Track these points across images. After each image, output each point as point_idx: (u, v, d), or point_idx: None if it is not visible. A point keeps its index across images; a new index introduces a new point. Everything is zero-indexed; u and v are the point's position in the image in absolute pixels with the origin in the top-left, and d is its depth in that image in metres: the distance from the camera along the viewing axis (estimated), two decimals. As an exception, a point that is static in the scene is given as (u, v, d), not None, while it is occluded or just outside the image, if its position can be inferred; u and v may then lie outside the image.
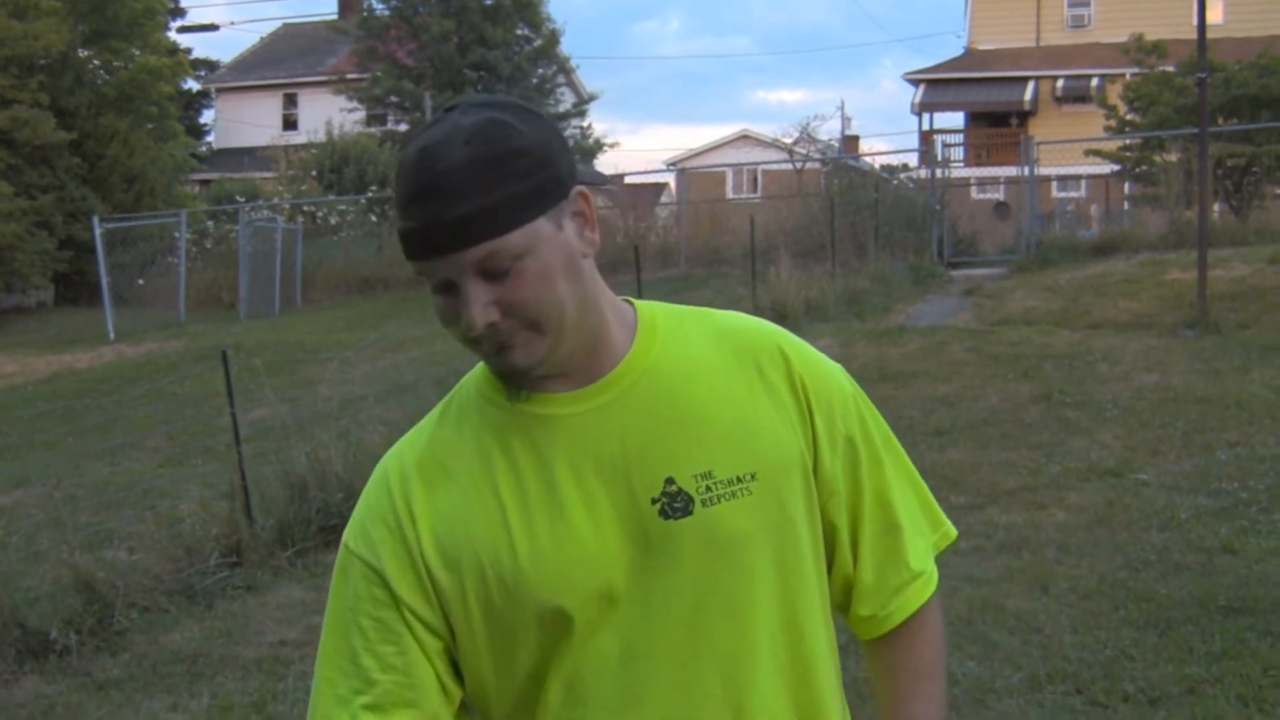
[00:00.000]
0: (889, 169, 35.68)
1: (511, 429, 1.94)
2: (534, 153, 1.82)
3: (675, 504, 1.89)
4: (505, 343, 1.84)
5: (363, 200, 34.52)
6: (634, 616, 1.89)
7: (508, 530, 1.90)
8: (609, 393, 1.93)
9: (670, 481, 1.89)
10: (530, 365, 1.86)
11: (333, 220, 33.43)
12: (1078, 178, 36.39)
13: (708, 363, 1.99)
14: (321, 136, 39.54)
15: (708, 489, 1.90)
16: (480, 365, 2.02)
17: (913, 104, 50.59)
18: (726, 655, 1.90)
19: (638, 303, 2.05)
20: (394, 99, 43.17)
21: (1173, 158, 26.55)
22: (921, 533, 2.12)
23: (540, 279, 1.81)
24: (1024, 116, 48.71)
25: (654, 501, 1.89)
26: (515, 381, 1.92)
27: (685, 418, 1.93)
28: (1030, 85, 48.99)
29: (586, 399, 1.93)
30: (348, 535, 2.01)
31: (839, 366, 2.13)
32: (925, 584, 2.11)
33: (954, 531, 2.19)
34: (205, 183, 48.66)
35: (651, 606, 1.89)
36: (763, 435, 1.95)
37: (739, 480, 1.91)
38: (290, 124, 55.42)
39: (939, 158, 29.68)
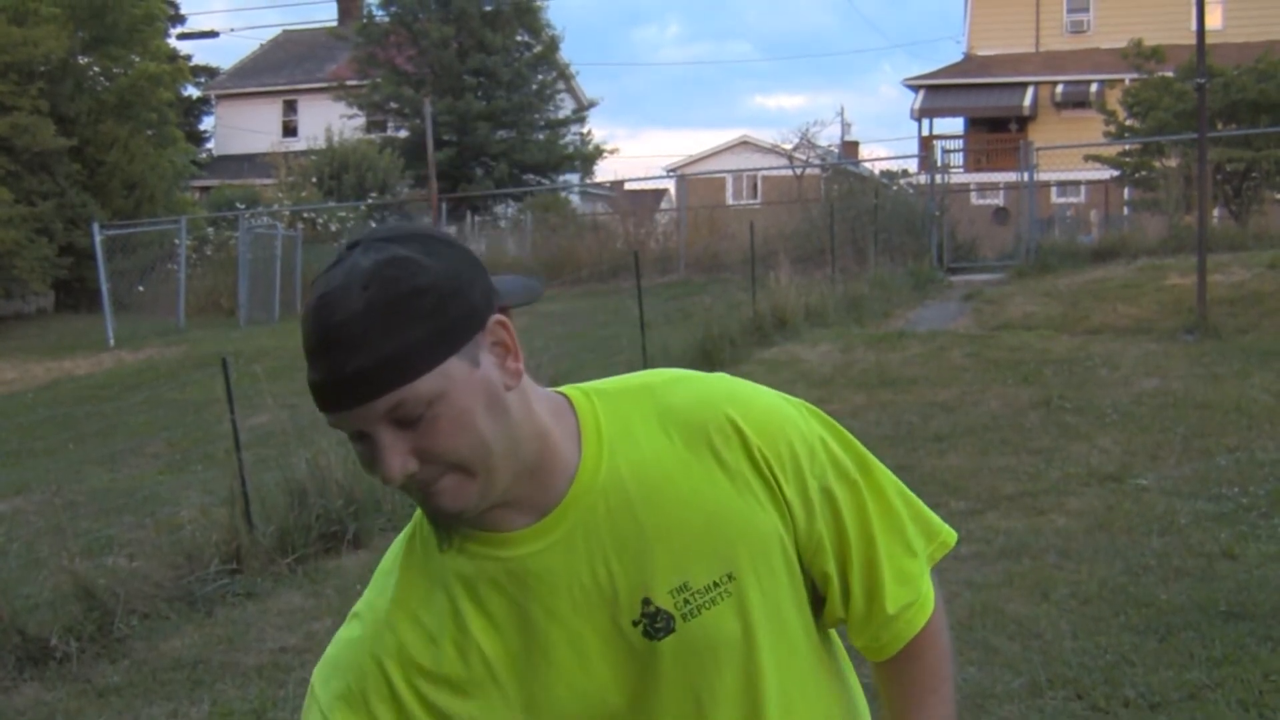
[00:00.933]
0: (889, 174, 35.75)
1: (478, 578, 1.86)
2: (440, 288, 1.70)
3: (656, 624, 1.84)
4: (431, 490, 1.73)
5: (362, 207, 34.55)
6: None
7: (499, 685, 1.86)
8: (566, 521, 1.84)
9: (647, 603, 1.84)
10: (462, 509, 1.76)
11: (333, 227, 33.40)
12: (1077, 183, 36.34)
13: (659, 460, 1.87)
14: (321, 143, 39.58)
15: (686, 602, 1.84)
16: (415, 530, 1.95)
17: (912, 109, 50.60)
18: None
19: (575, 397, 1.92)
20: (394, 105, 43.28)
21: (1172, 163, 26.56)
22: (913, 553, 2.02)
23: (457, 423, 1.70)
24: (1023, 122, 48.71)
25: (635, 624, 1.84)
26: (449, 525, 1.81)
27: (650, 532, 1.85)
28: (1029, 91, 48.99)
29: (545, 533, 1.84)
30: (316, 681, 1.97)
31: (794, 408, 1.98)
32: (918, 611, 2.02)
33: (953, 536, 2.09)
34: (205, 189, 48.69)
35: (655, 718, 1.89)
36: (732, 529, 1.86)
37: (716, 585, 1.86)
38: (290, 130, 55.45)
39: (939, 163, 29.74)
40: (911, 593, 2.01)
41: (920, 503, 2.08)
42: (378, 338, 1.65)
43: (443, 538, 1.84)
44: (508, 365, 1.76)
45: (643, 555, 1.84)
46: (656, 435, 1.88)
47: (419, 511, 1.90)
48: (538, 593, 1.84)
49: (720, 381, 1.96)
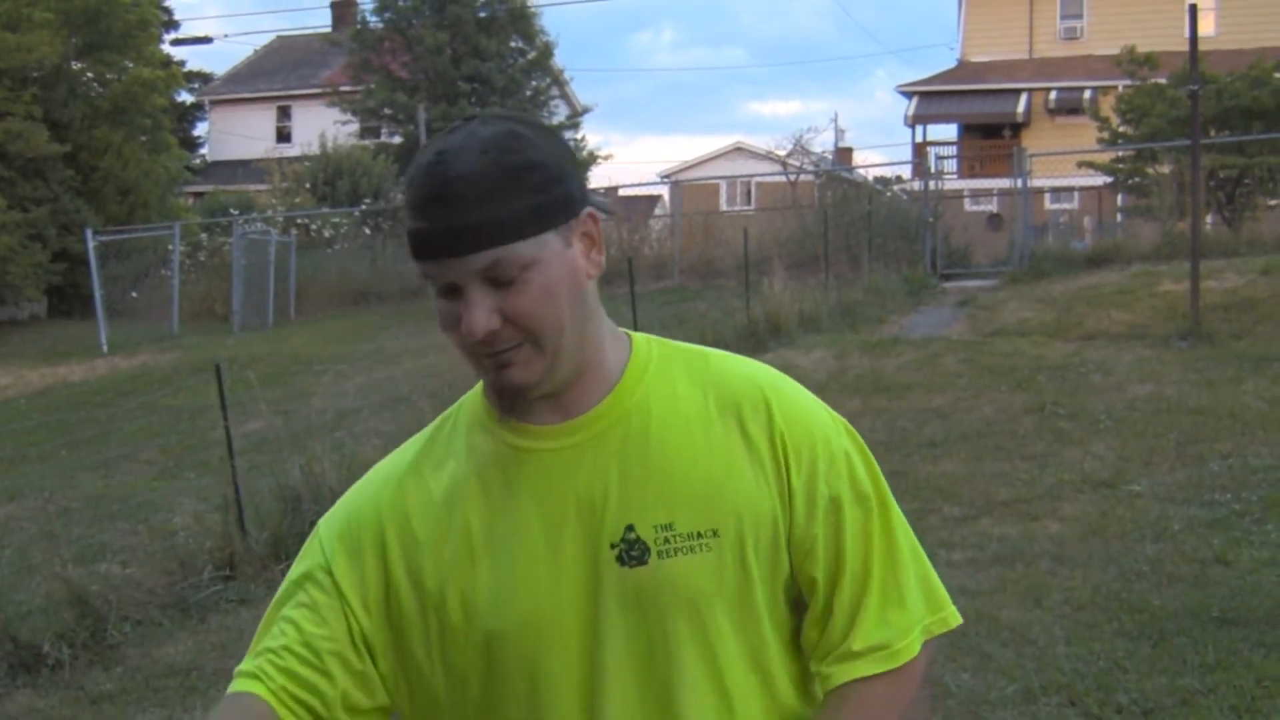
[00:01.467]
0: (883, 181, 35.75)
1: (490, 461, 1.96)
2: (549, 168, 1.84)
3: (632, 552, 1.89)
4: (505, 359, 1.84)
5: (356, 213, 34.52)
6: (585, 657, 1.91)
7: (473, 560, 1.93)
8: (587, 431, 1.94)
9: (630, 529, 1.89)
10: (528, 383, 1.86)
11: (327, 233, 33.40)
12: (1071, 189, 36.38)
13: (688, 411, 1.96)
14: (315, 149, 39.55)
15: (666, 540, 1.89)
16: (477, 387, 2.03)
17: (906, 116, 50.62)
18: (670, 706, 1.90)
19: (637, 337, 2.05)
20: (388, 111, 43.23)
21: (1165, 169, 26.61)
22: (904, 606, 2.00)
23: (544, 292, 1.83)
24: (1017, 128, 48.73)
25: (613, 547, 1.89)
26: (511, 400, 1.90)
27: (655, 467, 1.92)
28: (1023, 97, 49.01)
29: (564, 435, 1.94)
30: (323, 521, 2.06)
31: (837, 420, 2.04)
32: (884, 659, 1.97)
33: (956, 618, 2.08)
34: (199, 195, 48.66)
35: (604, 649, 1.90)
36: (732, 492, 1.92)
37: (699, 536, 1.90)
38: (284, 136, 55.40)
39: (932, 169, 29.71)
40: (885, 639, 1.97)
41: (933, 571, 2.07)
42: (488, 198, 1.79)
43: (504, 412, 1.93)
44: (592, 256, 1.93)
45: (641, 486, 1.91)
46: (695, 391, 1.98)
47: (456, 404, 2.07)
48: (536, 487, 1.93)
49: (772, 371, 2.05)
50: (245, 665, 1.98)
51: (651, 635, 1.89)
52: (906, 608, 2.00)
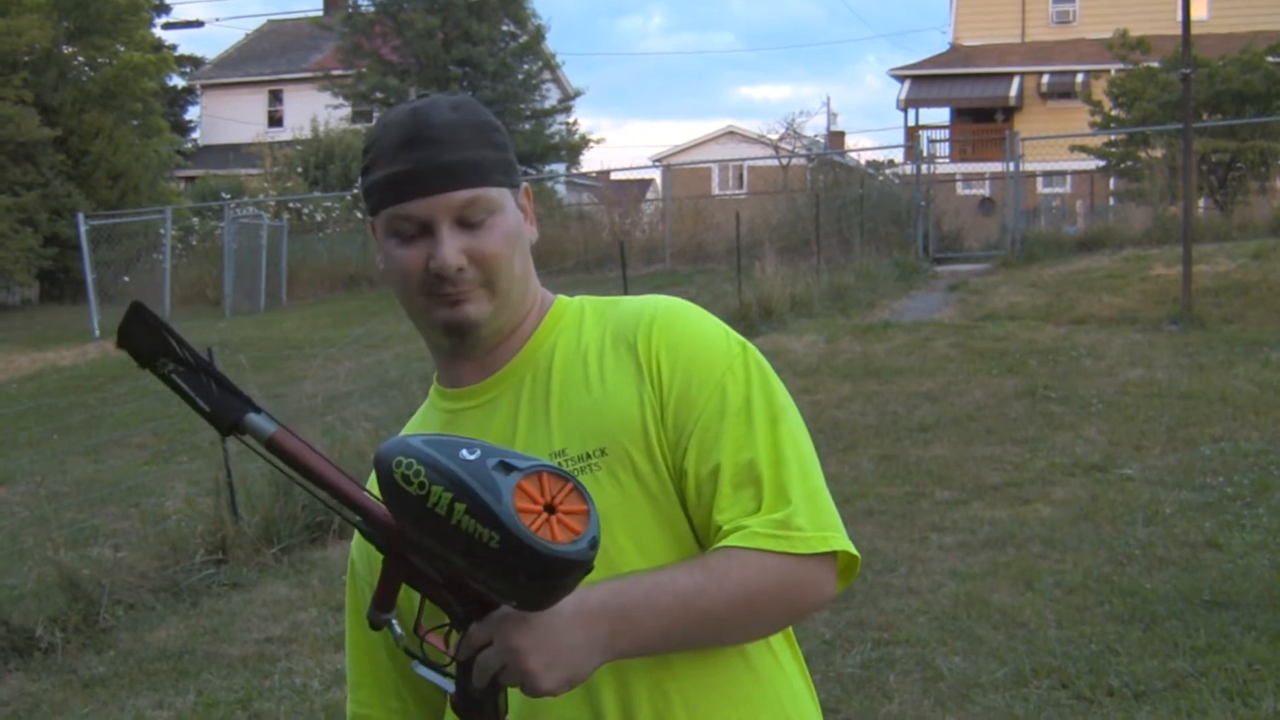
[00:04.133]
0: (874, 165, 35.69)
1: (434, 428, 2.14)
2: (504, 134, 2.07)
3: None
4: (460, 296, 2.00)
5: (348, 197, 34.47)
6: None
7: None
8: (502, 385, 2.10)
9: None
10: (479, 319, 2.02)
11: (318, 217, 33.37)
12: (1063, 173, 36.38)
13: (586, 348, 2.09)
14: (306, 133, 39.52)
15: (559, 466, 1.89)
16: (432, 387, 2.21)
17: (898, 100, 50.60)
18: None
19: (564, 298, 2.19)
20: (379, 95, 43.17)
21: (1157, 153, 26.60)
22: (787, 501, 1.95)
23: (505, 238, 2.01)
24: (1009, 112, 48.73)
25: None
26: (460, 337, 2.05)
27: (552, 403, 2.06)
28: (1015, 81, 49.00)
29: (483, 392, 2.11)
30: (351, 549, 2.29)
31: (732, 338, 2.09)
32: (774, 535, 1.92)
33: (848, 548, 1.98)
34: (190, 179, 48.61)
35: None
36: (614, 411, 2.01)
37: (588, 457, 2.00)
38: (275, 121, 55.35)
39: (924, 153, 29.72)
40: (783, 518, 1.94)
41: (825, 492, 2.02)
42: (466, 144, 1.98)
43: (454, 345, 2.08)
44: (528, 225, 2.11)
45: (541, 423, 2.05)
46: (596, 330, 2.12)
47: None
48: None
49: (671, 299, 2.14)
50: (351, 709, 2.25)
51: None
52: (788, 500, 1.96)
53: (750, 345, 2.10)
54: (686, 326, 2.07)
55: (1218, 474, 9.56)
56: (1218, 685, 5.90)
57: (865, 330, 16.48)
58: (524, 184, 2.11)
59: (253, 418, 1.77)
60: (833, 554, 1.96)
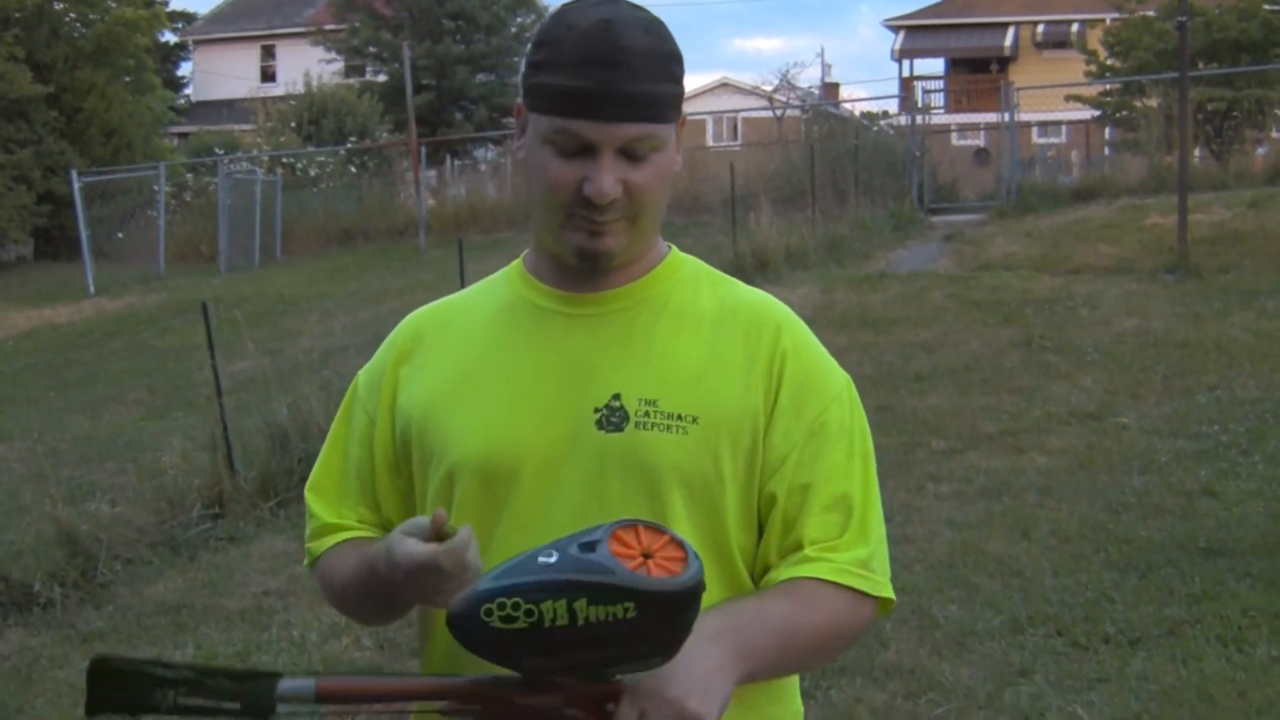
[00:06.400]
0: (869, 116, 35.60)
1: (517, 310, 2.09)
2: (682, 65, 1.98)
3: (612, 419, 1.96)
4: (603, 227, 1.95)
5: (342, 152, 34.39)
6: (534, 505, 1.97)
7: (466, 385, 2.05)
8: (599, 307, 2.04)
9: (616, 397, 1.97)
10: (614, 251, 1.98)
11: (312, 172, 33.28)
12: (1058, 123, 36.36)
13: (699, 313, 2.06)
14: (300, 88, 39.40)
15: (646, 414, 1.96)
16: (513, 265, 2.17)
17: (893, 50, 50.50)
18: None
19: (678, 251, 2.15)
20: (372, 50, 43.08)
21: (1153, 103, 26.54)
22: (868, 547, 2.00)
23: (659, 176, 1.97)
24: (1004, 62, 48.64)
25: (595, 411, 1.97)
26: (592, 263, 1.99)
27: (655, 350, 2.01)
28: (1010, 31, 48.90)
29: (578, 304, 2.05)
30: (362, 372, 2.23)
31: (843, 375, 2.11)
32: (856, 574, 1.97)
33: (890, 597, 2.03)
34: (184, 136, 48.48)
35: (559, 502, 1.96)
36: (720, 388, 1.99)
37: (679, 417, 1.96)
38: (268, 76, 55.23)
39: (919, 104, 29.66)
40: (865, 557, 1.98)
41: (885, 549, 2.06)
42: (652, 76, 1.91)
43: (584, 268, 2.02)
44: (678, 155, 2.03)
45: (638, 362, 2.00)
46: (712, 302, 2.09)
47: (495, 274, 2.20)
48: (547, 345, 2.04)
49: (792, 313, 2.13)
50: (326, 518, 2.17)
51: (608, 499, 1.94)
52: (872, 553, 2.01)
53: (850, 380, 2.12)
54: (810, 342, 2.09)
55: (1213, 422, 9.57)
56: (1213, 632, 5.92)
57: (861, 281, 16.48)
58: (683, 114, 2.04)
59: (286, 686, 1.71)
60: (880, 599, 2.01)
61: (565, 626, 1.60)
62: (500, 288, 2.15)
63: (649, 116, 1.91)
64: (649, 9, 1.97)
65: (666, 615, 1.63)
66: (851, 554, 1.97)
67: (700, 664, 1.76)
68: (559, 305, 2.05)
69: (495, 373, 2.04)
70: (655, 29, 1.93)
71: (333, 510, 2.16)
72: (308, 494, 2.19)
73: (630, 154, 1.91)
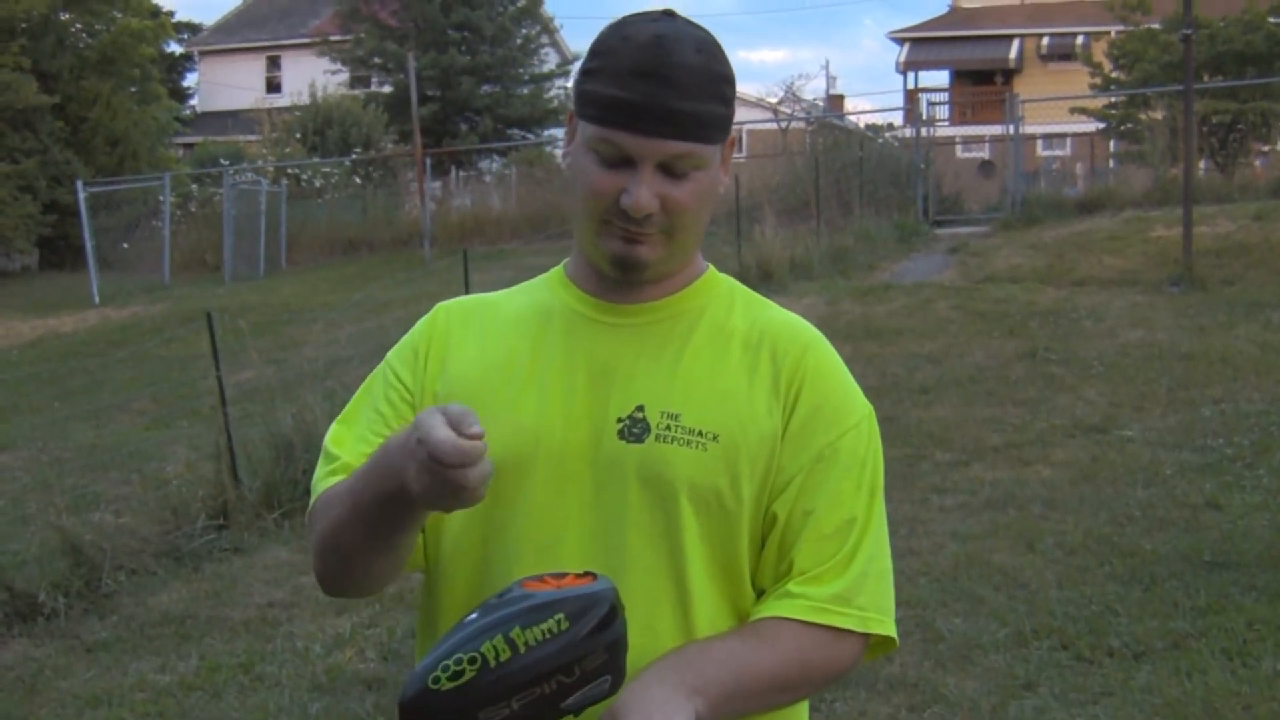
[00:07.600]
0: (874, 128, 35.61)
1: (553, 312, 2.11)
2: (734, 86, 2.00)
3: (634, 429, 1.98)
4: (639, 237, 1.96)
5: (347, 162, 34.39)
6: (545, 504, 1.98)
7: (494, 375, 2.06)
8: (635, 319, 2.06)
9: (640, 409, 1.99)
10: (649, 262, 1.99)
11: (317, 182, 33.28)
12: (1063, 136, 36.29)
13: (730, 331, 2.07)
14: (305, 99, 39.39)
15: (667, 428, 1.97)
16: (555, 270, 2.18)
17: (897, 63, 50.52)
18: (622, 581, 1.85)
19: (714, 270, 2.16)
20: (377, 60, 43.04)
21: (1158, 115, 26.55)
22: (861, 583, 1.98)
23: (699, 194, 1.97)
24: (1009, 74, 48.66)
25: (619, 421, 1.99)
26: (626, 272, 2.01)
27: (684, 365, 2.03)
28: (1015, 43, 48.92)
29: (614, 314, 2.07)
30: (391, 350, 2.21)
31: (865, 405, 2.10)
32: (816, 610, 1.95)
33: (893, 638, 2.02)
34: (189, 146, 48.48)
35: (571, 510, 1.98)
36: (743, 409, 2.00)
37: (700, 434, 1.97)
38: (274, 86, 55.21)
39: (924, 116, 29.67)
40: (846, 592, 1.97)
41: (890, 576, 2.06)
42: (699, 95, 1.92)
43: (617, 277, 2.03)
44: (722, 174, 2.05)
45: (667, 375, 2.02)
46: (744, 322, 2.10)
47: (552, 272, 2.20)
48: (579, 351, 2.05)
49: (823, 338, 2.13)
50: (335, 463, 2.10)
51: (621, 507, 1.95)
52: (864, 587, 1.99)
53: (872, 411, 2.11)
54: (835, 368, 2.09)
55: (1218, 435, 9.57)
56: (1217, 645, 5.91)
57: (865, 292, 16.47)
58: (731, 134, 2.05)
59: None
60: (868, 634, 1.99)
61: (510, 659, 1.62)
62: (540, 290, 2.17)
63: (692, 135, 1.92)
64: (707, 28, 1.98)
65: (596, 621, 1.66)
66: (829, 588, 1.95)
67: (649, 693, 1.77)
68: (594, 312, 2.08)
69: (524, 370, 2.06)
70: (709, 49, 1.94)
71: (352, 452, 2.10)
72: (328, 443, 2.15)
73: (670, 170, 1.93)
